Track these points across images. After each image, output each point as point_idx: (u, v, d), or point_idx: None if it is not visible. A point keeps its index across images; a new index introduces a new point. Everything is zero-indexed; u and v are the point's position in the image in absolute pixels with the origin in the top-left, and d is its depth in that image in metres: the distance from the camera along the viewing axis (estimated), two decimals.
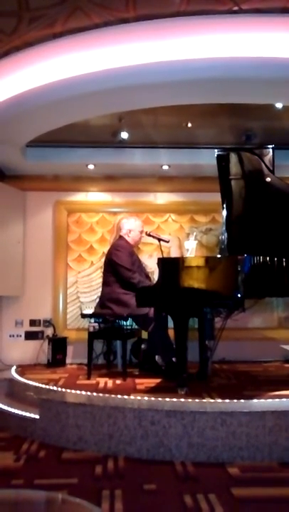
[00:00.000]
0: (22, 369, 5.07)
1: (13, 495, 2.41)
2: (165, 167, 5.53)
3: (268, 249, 3.96)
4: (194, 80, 3.62)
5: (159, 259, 4.05)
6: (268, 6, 3.30)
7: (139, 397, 3.64)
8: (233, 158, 4.28)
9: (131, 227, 5.05)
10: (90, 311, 5.11)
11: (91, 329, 4.66)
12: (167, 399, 3.53)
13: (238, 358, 5.40)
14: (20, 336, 5.65)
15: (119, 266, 4.76)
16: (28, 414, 3.76)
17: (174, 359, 4.28)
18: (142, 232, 5.06)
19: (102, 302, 4.81)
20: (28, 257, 5.76)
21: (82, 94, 3.82)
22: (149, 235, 4.98)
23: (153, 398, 3.59)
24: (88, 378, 4.50)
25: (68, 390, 3.97)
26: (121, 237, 5.08)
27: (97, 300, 5.03)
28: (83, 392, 3.84)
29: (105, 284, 4.88)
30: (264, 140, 5.11)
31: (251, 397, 3.61)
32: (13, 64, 3.82)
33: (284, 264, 3.93)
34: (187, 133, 5.19)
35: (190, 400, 3.52)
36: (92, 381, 4.41)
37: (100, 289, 5.03)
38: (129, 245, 4.99)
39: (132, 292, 4.45)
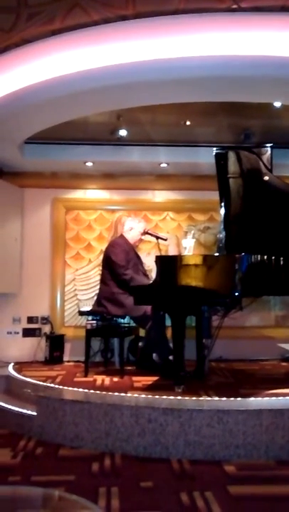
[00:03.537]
0: (19, 366, 5.07)
1: (10, 491, 2.42)
2: (163, 165, 5.52)
3: (265, 247, 3.97)
4: (193, 78, 3.62)
5: (156, 257, 4.06)
6: (267, 5, 3.29)
7: (136, 395, 3.64)
8: (232, 156, 4.28)
9: (133, 225, 5.05)
10: (87, 308, 5.11)
11: (88, 327, 4.67)
12: (164, 397, 3.54)
13: (235, 357, 5.39)
14: (18, 333, 5.65)
15: (112, 262, 4.76)
16: (25, 411, 3.76)
17: (170, 357, 4.29)
18: (142, 233, 5.03)
19: (99, 300, 4.81)
20: (26, 254, 5.75)
21: (81, 92, 3.82)
22: (147, 233, 4.99)
23: (150, 396, 3.59)
24: (85, 376, 4.50)
25: (65, 388, 3.98)
26: (121, 235, 5.09)
27: (95, 298, 5.02)
28: (80, 390, 3.84)
29: (103, 282, 4.88)
30: (262, 139, 5.11)
31: (248, 396, 3.62)
32: (11, 61, 3.80)
33: (281, 262, 3.93)
34: (186, 131, 5.18)
35: (187, 398, 3.53)
36: (90, 378, 4.42)
37: (98, 287, 5.03)
38: (126, 243, 4.97)
39: (127, 291, 4.46)
